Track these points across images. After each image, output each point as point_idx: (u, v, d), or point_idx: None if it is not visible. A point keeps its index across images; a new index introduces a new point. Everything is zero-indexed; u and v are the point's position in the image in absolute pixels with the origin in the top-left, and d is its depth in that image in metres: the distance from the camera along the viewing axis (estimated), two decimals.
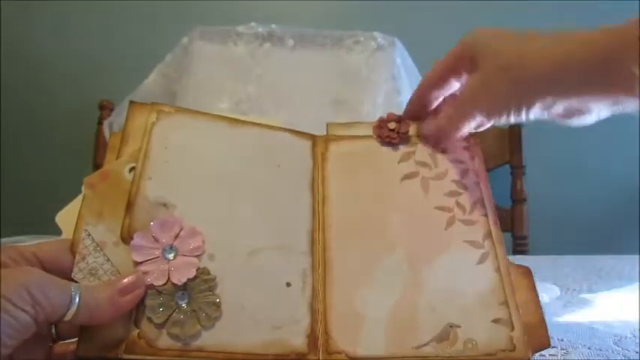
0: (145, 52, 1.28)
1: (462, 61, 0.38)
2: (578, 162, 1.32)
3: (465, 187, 0.41)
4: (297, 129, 0.43)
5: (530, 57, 0.33)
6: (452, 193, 0.40)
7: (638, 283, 0.55)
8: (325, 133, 0.43)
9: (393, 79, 1.14)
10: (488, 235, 0.38)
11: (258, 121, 0.41)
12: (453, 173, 0.41)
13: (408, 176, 0.41)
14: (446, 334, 0.34)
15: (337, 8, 1.35)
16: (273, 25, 1.16)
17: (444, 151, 0.42)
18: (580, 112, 0.35)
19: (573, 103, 0.34)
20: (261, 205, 0.38)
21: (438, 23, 1.34)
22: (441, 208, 0.40)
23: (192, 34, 1.15)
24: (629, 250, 1.01)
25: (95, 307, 0.28)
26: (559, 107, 0.35)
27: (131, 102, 0.38)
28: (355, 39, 1.16)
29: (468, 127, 0.39)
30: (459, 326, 0.35)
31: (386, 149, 0.42)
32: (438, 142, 0.41)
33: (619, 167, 1.30)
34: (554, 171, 1.31)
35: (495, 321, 0.35)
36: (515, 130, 1.24)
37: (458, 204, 0.40)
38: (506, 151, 1.24)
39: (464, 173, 0.41)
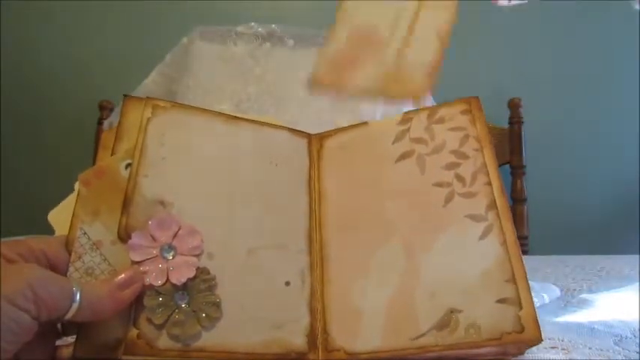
0: (145, 52, 1.28)
1: None
2: (578, 162, 1.32)
3: (465, 156, 0.38)
4: (294, 128, 0.42)
5: None
6: (450, 166, 0.38)
7: (638, 283, 0.55)
8: (325, 130, 0.42)
9: None
10: (492, 205, 0.36)
11: (255, 119, 0.41)
12: (451, 143, 0.39)
13: (403, 156, 0.39)
14: (446, 321, 0.33)
15: None
16: (273, 25, 1.16)
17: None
18: None
19: None
20: (259, 203, 0.38)
21: None
22: (439, 184, 0.37)
23: (192, 34, 1.15)
24: (629, 250, 1.01)
25: (97, 303, 0.28)
26: None
27: (125, 96, 0.37)
28: None
29: None
30: (460, 311, 0.33)
31: (379, 133, 0.41)
32: None
33: (619, 167, 1.30)
34: (554, 171, 1.31)
35: (501, 301, 0.32)
36: (515, 130, 1.24)
37: (457, 176, 0.37)
38: (506, 151, 1.24)
39: (463, 141, 0.38)
